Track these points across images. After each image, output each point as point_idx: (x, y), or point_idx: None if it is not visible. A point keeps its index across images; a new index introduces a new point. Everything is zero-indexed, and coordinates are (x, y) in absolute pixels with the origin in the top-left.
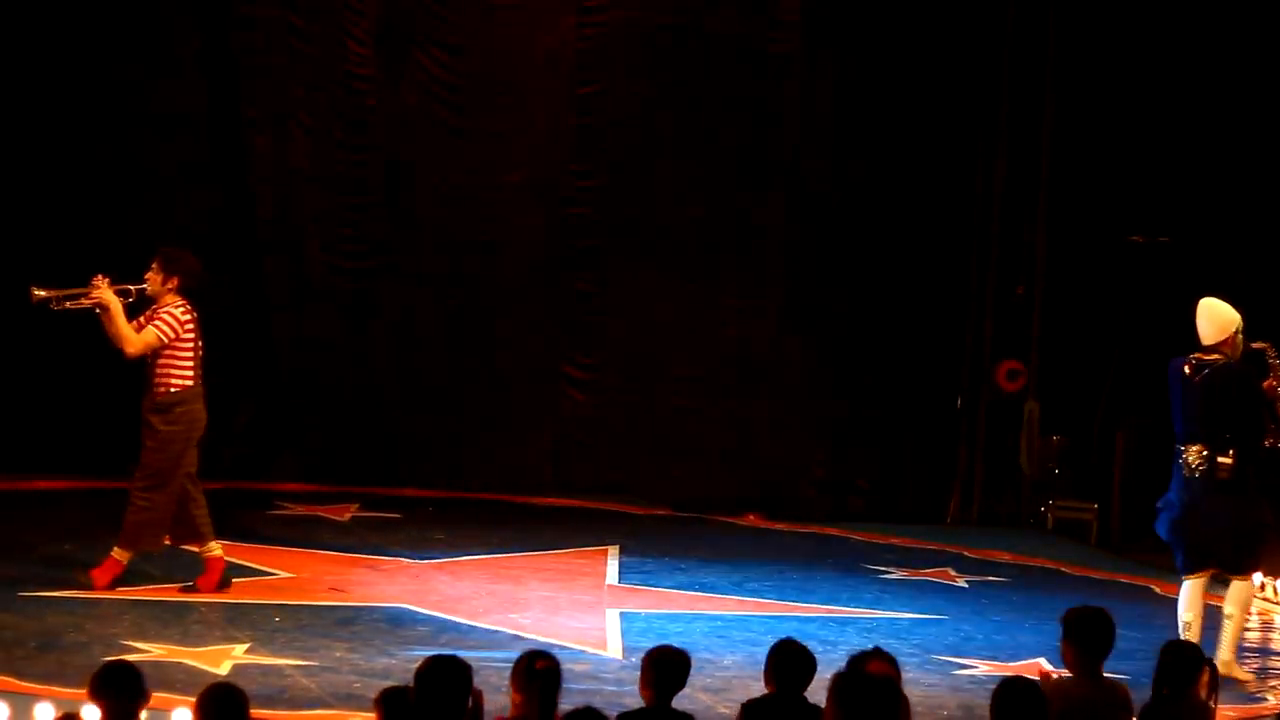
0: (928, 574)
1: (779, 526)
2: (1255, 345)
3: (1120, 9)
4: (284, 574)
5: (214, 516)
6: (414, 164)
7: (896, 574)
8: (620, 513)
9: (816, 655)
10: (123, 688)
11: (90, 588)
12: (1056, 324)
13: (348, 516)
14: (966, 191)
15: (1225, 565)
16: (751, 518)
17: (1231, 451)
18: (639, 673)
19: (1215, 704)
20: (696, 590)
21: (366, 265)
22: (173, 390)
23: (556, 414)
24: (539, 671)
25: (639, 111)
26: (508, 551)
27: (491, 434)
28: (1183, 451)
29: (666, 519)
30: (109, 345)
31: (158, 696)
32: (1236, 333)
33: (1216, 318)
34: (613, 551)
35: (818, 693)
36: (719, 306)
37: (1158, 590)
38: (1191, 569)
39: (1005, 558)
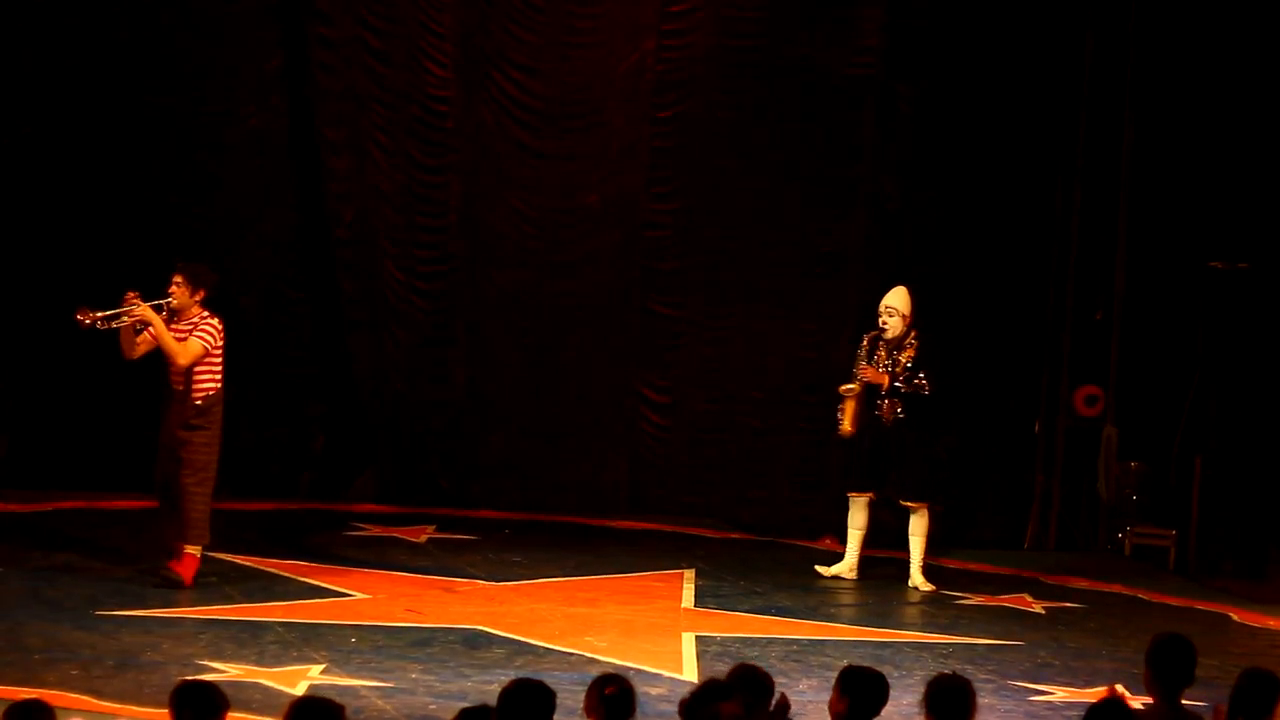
0: (1004, 599)
1: None
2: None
3: (1199, 33)
4: (360, 595)
5: (291, 537)
6: (492, 185)
7: (973, 599)
8: (696, 536)
9: (891, 681)
10: (200, 705)
11: (181, 584)
12: (1135, 349)
13: (424, 538)
14: (1045, 216)
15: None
16: (828, 541)
17: None
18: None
19: None
20: (772, 614)
21: (444, 286)
22: (210, 395)
23: (633, 436)
24: (607, 697)
25: (717, 134)
26: (584, 574)
27: (568, 456)
28: None
29: (742, 542)
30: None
31: (234, 716)
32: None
33: None
34: (688, 575)
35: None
36: (795, 329)
37: (1235, 618)
38: None
39: (1082, 584)
